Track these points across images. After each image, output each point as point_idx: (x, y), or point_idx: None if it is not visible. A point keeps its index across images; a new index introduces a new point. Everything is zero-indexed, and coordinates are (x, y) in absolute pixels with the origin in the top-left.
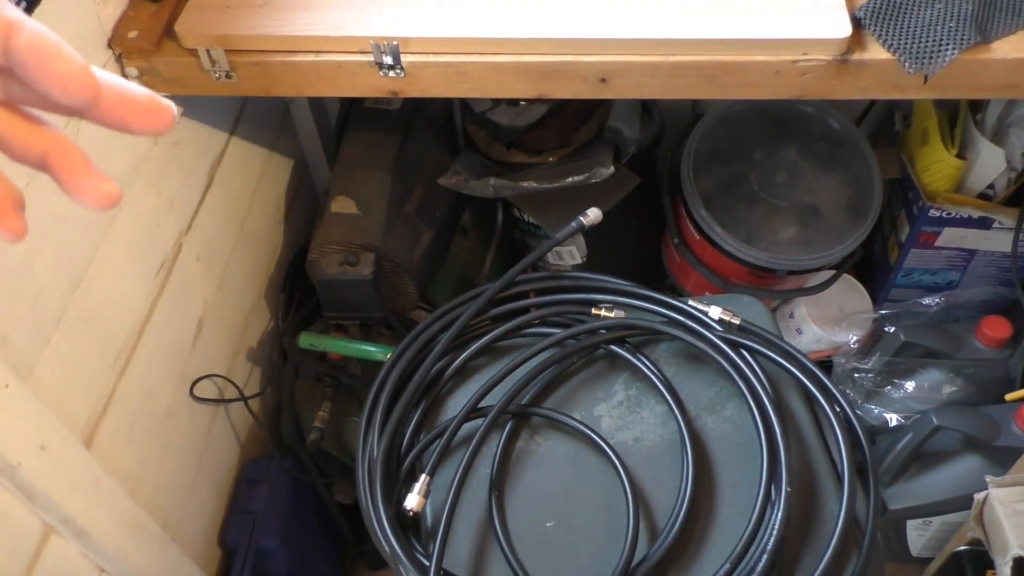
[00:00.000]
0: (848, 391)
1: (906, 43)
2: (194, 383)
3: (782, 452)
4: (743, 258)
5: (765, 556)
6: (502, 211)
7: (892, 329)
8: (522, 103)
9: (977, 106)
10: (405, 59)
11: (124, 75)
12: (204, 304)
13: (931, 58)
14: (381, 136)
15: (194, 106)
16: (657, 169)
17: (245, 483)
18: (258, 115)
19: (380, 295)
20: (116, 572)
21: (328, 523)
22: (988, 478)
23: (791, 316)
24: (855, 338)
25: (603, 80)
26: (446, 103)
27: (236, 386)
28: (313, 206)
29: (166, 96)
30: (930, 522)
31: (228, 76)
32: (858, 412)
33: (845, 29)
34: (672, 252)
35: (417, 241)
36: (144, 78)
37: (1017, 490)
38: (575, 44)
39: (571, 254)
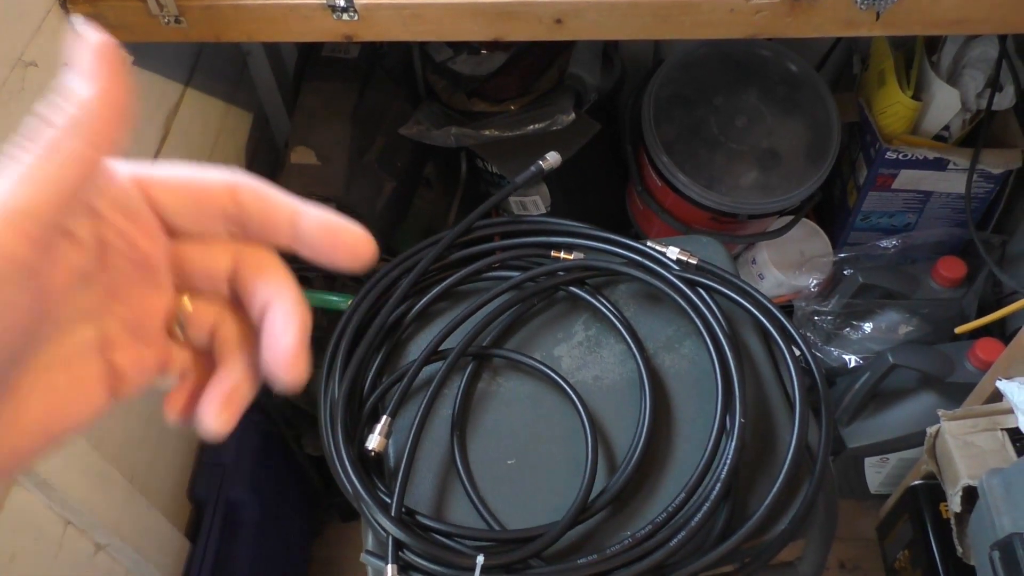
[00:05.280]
0: (809, 334)
1: None
2: None
3: (736, 384)
4: (705, 203)
5: (719, 484)
6: (466, 162)
7: (851, 272)
8: (483, 52)
9: (933, 47)
10: (359, 1)
11: (69, 21)
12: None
13: None
14: (339, 85)
15: (145, 54)
16: (619, 117)
17: None
18: (214, 66)
19: None
20: (83, 524)
21: (299, 476)
22: (940, 412)
23: (753, 262)
24: (815, 282)
25: (559, 21)
26: (405, 52)
27: None
28: (275, 161)
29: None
30: (887, 459)
31: (177, 21)
32: (814, 350)
33: None
34: (635, 200)
35: (379, 191)
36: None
37: (968, 423)
38: None
39: (535, 204)
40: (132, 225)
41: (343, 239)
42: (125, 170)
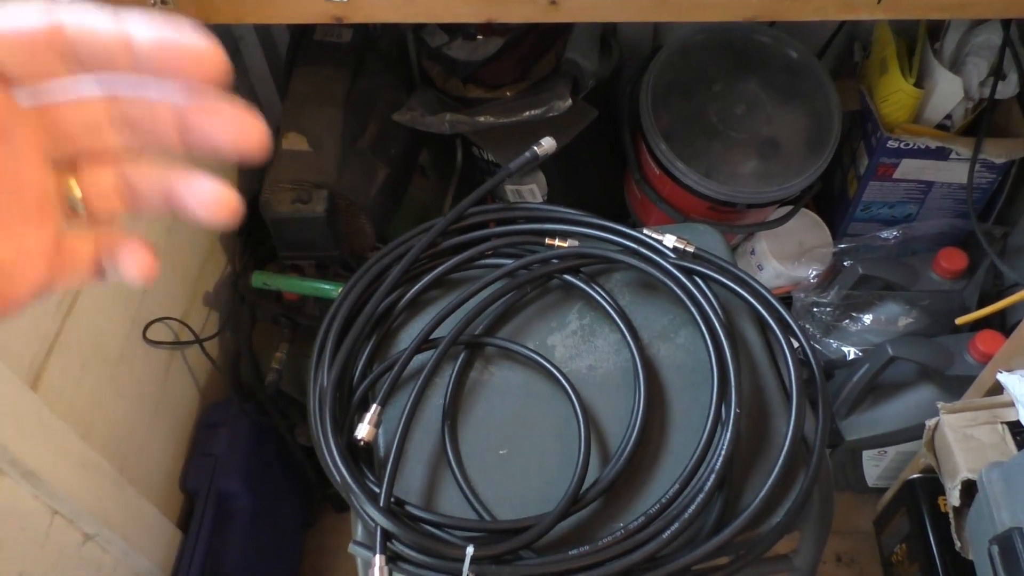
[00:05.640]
0: (807, 325)
1: None
2: (147, 326)
3: (732, 374)
4: (703, 192)
5: (713, 476)
6: (461, 149)
7: (850, 263)
8: (479, 37)
9: (936, 34)
10: None
11: None
12: (155, 247)
13: None
14: (332, 70)
15: None
16: (617, 103)
17: (205, 426)
18: None
19: (334, 233)
20: (69, 513)
21: (292, 466)
22: (939, 404)
23: (752, 252)
24: (815, 273)
25: (553, 2)
26: (400, 37)
27: (191, 329)
28: (267, 147)
29: None
30: (885, 452)
31: (163, 2)
32: (813, 342)
33: None
34: (633, 188)
35: (372, 178)
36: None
37: (967, 415)
38: None
39: (531, 192)
40: None
41: (184, 48)
42: None
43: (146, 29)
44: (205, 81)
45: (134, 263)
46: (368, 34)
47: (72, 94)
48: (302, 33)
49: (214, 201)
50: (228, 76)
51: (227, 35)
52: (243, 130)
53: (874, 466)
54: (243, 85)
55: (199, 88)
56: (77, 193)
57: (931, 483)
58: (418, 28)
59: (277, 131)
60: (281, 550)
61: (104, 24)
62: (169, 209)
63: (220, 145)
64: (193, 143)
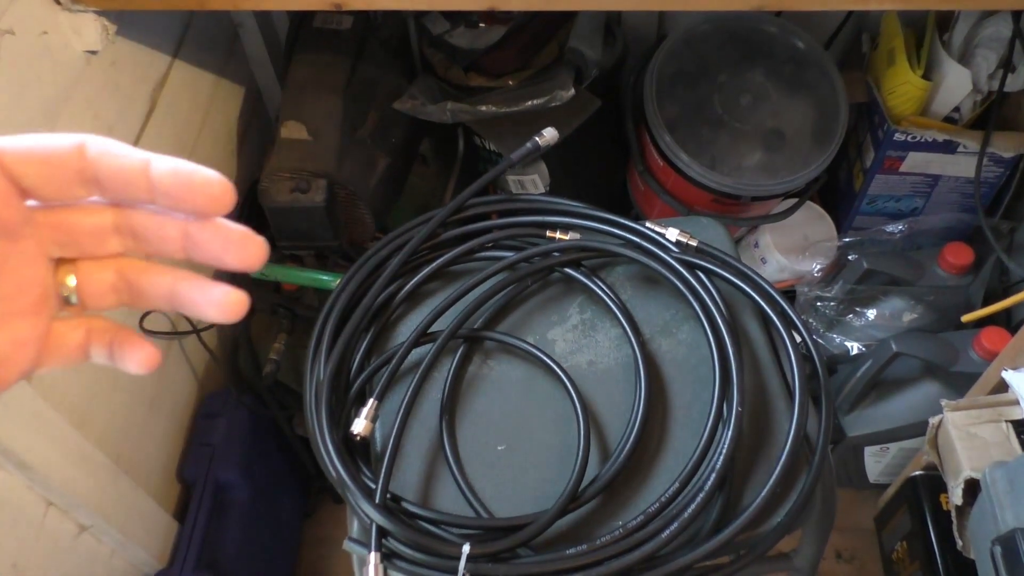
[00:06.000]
0: (811, 320)
1: None
2: (143, 316)
3: (734, 371)
4: (707, 184)
5: (714, 474)
6: (463, 139)
7: (855, 257)
8: (481, 25)
9: (945, 26)
10: None
11: None
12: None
13: None
14: (331, 58)
15: (129, 23)
16: (621, 93)
17: (203, 417)
18: (204, 38)
19: (334, 223)
20: (64, 504)
21: (290, 456)
22: (943, 402)
23: (756, 245)
24: (819, 267)
25: None
26: (401, 25)
27: (188, 319)
28: (268, 136)
29: (96, 11)
30: (887, 449)
31: None
32: (816, 337)
33: None
34: (637, 180)
35: (372, 168)
36: None
37: (971, 413)
38: None
39: (534, 183)
40: None
41: (196, 181)
42: None
43: (166, 158)
44: (214, 212)
45: (139, 356)
46: (369, 21)
47: (82, 202)
48: (302, 20)
49: (226, 304)
50: (232, 204)
51: (226, 22)
52: (246, 251)
53: (876, 462)
54: (242, 72)
55: (214, 213)
56: (72, 286)
57: (933, 481)
58: (420, 15)
59: (276, 119)
60: (279, 540)
61: (129, 151)
62: (170, 307)
63: (223, 263)
64: (197, 257)
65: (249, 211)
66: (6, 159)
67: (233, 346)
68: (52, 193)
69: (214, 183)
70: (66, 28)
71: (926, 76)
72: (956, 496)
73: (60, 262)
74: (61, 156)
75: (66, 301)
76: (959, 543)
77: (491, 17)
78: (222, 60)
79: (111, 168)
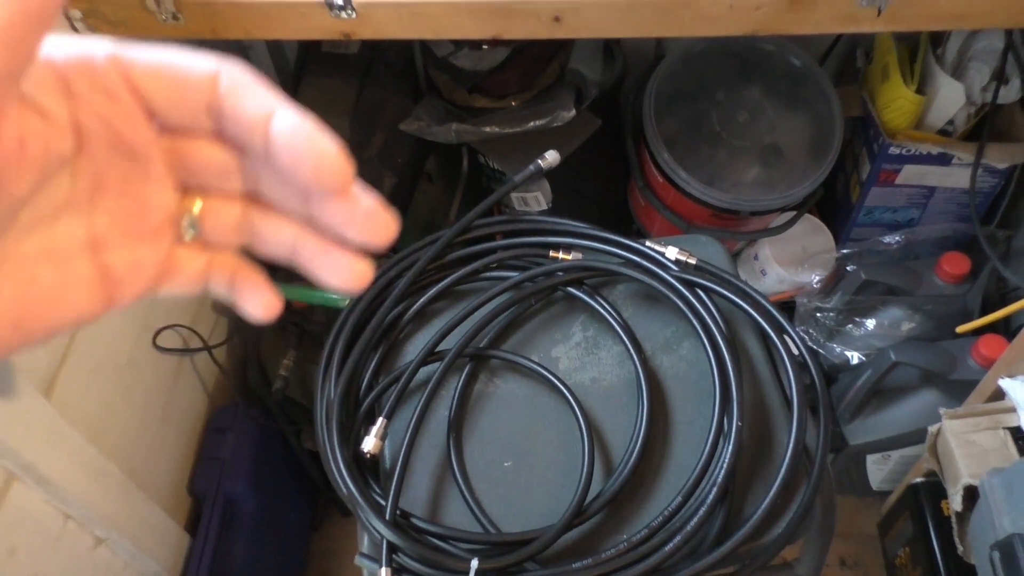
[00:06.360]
0: (811, 330)
1: None
2: (156, 333)
3: (734, 386)
4: (706, 200)
5: (715, 488)
6: (467, 158)
7: (853, 268)
8: (484, 47)
9: (938, 41)
10: None
11: (67, 18)
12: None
13: None
14: (339, 81)
15: None
16: (621, 112)
17: (213, 431)
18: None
19: None
20: (81, 517)
21: (299, 470)
22: (942, 410)
23: (755, 258)
24: (818, 278)
25: (557, 19)
26: (406, 47)
27: (200, 336)
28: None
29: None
30: (889, 456)
31: (175, 18)
32: (812, 345)
33: None
34: (637, 196)
35: (379, 187)
36: (88, 20)
37: (969, 421)
38: None
39: (536, 200)
40: (112, 109)
41: (313, 147)
42: (103, 50)
43: (293, 113)
44: (328, 186)
45: (259, 302)
46: (376, 45)
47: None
48: (310, 44)
49: (351, 273)
50: (349, 181)
51: (236, 44)
52: (373, 224)
53: (878, 470)
54: None
55: (326, 191)
56: (197, 213)
57: (934, 487)
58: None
59: None
60: (287, 553)
61: (262, 91)
62: (289, 261)
63: (350, 234)
64: (319, 219)
65: None
66: (136, 74)
67: (243, 361)
68: (177, 119)
69: (327, 154)
70: None
71: (920, 90)
72: (956, 502)
73: (186, 192)
74: (194, 83)
75: (188, 230)
76: (960, 548)
77: (494, 40)
78: None
79: (236, 104)
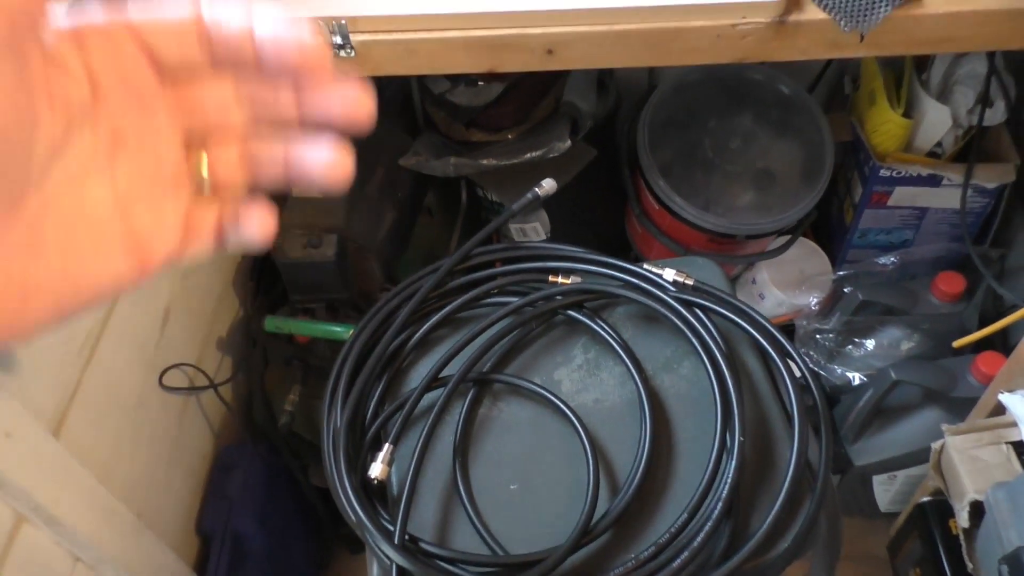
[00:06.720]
0: (811, 352)
1: (840, 2)
2: (163, 373)
3: (735, 403)
4: (702, 225)
5: (720, 504)
6: (466, 191)
7: (850, 289)
8: (480, 83)
9: (923, 66)
10: (355, 38)
11: None
12: (170, 294)
13: (865, 15)
14: None
15: None
16: (615, 142)
17: (219, 469)
18: None
19: (345, 276)
20: (91, 559)
21: (306, 507)
22: (944, 426)
23: (753, 282)
24: (816, 300)
25: (550, 51)
26: (404, 84)
27: (205, 374)
28: (278, 194)
29: None
30: (895, 476)
31: None
32: (817, 368)
33: None
34: (634, 223)
35: (380, 221)
36: None
37: (972, 437)
38: (520, 17)
39: (535, 230)
40: (120, 56)
41: (294, 38)
42: (105, 16)
43: (266, 24)
44: (312, 68)
45: (257, 223)
46: (374, 82)
47: (205, 75)
48: None
49: (331, 163)
50: (328, 63)
51: None
52: (355, 103)
53: (885, 491)
54: None
55: (312, 71)
56: (205, 167)
57: (942, 506)
58: (422, 76)
59: None
60: None
61: (235, 16)
62: (287, 177)
63: (335, 117)
64: (310, 116)
65: (261, 267)
66: (136, 26)
67: (248, 398)
68: (176, 56)
69: (307, 42)
70: None
71: (907, 114)
72: (963, 519)
73: (191, 146)
74: (184, 20)
75: (200, 181)
76: (970, 566)
77: (489, 75)
78: None
79: (222, 30)
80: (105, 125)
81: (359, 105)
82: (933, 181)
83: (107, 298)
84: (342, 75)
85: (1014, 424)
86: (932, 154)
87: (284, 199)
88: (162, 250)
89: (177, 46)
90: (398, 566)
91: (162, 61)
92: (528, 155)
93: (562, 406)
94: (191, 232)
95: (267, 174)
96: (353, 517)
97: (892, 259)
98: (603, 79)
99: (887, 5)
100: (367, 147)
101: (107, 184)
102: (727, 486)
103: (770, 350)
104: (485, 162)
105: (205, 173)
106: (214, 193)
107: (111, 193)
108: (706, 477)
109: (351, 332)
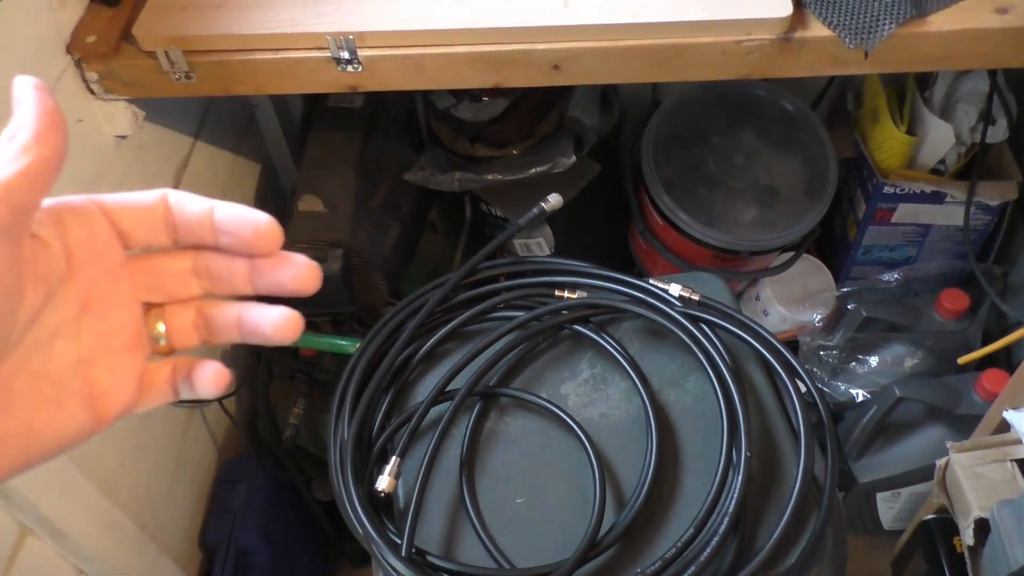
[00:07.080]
0: (815, 369)
1: (845, 20)
2: None
3: (741, 418)
4: (706, 241)
5: (727, 518)
6: (470, 206)
7: (854, 306)
8: (484, 99)
9: (925, 83)
10: (362, 53)
11: (84, 80)
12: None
13: (869, 33)
14: (345, 134)
15: (157, 109)
16: (619, 157)
17: (223, 483)
18: (222, 118)
19: (350, 290)
20: (94, 572)
21: (310, 521)
22: (949, 443)
23: (757, 298)
24: (819, 317)
25: (556, 67)
26: (409, 100)
27: None
28: (283, 209)
29: (127, 99)
30: (899, 494)
31: (188, 77)
32: (821, 385)
33: (787, 8)
34: (638, 239)
35: (385, 236)
36: (104, 82)
37: (976, 454)
38: (527, 32)
39: (539, 246)
40: (93, 234)
41: (250, 219)
42: (82, 196)
43: (228, 204)
44: (264, 247)
45: (210, 378)
46: (379, 98)
47: (167, 250)
48: (316, 98)
49: (281, 323)
50: (281, 240)
51: (242, 102)
52: (304, 275)
53: (889, 508)
54: (258, 150)
55: (265, 249)
56: (162, 330)
57: (946, 523)
58: (427, 91)
59: (292, 193)
60: None
61: (200, 199)
62: (240, 334)
63: (284, 286)
64: (262, 286)
65: None
66: (108, 207)
67: (252, 411)
68: (143, 237)
69: (263, 222)
70: (99, 116)
71: (910, 131)
72: (968, 536)
73: (149, 309)
74: (150, 204)
75: (156, 342)
76: None
77: (494, 91)
78: (239, 139)
79: (185, 212)
80: (76, 293)
81: (307, 277)
82: (936, 198)
83: (69, 447)
84: (290, 251)
85: (1019, 441)
86: (935, 171)
87: (289, 214)
88: (118, 404)
89: (144, 225)
90: None
91: (129, 238)
92: (533, 170)
93: (568, 420)
94: (146, 387)
95: (221, 333)
96: (360, 530)
97: (896, 276)
98: (607, 95)
99: (891, 22)
100: (373, 162)
101: (72, 346)
102: (733, 501)
103: (776, 366)
104: (490, 177)
105: (162, 339)
106: (169, 352)
107: (75, 354)
108: (712, 492)
109: (358, 345)
